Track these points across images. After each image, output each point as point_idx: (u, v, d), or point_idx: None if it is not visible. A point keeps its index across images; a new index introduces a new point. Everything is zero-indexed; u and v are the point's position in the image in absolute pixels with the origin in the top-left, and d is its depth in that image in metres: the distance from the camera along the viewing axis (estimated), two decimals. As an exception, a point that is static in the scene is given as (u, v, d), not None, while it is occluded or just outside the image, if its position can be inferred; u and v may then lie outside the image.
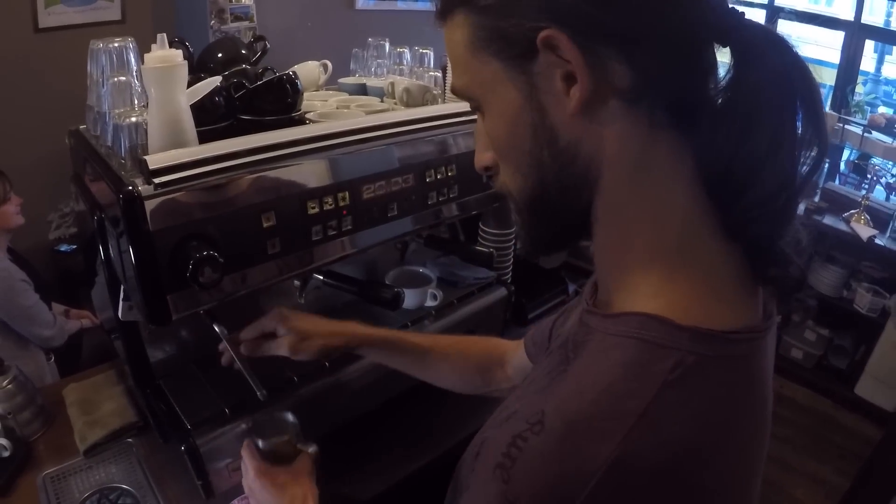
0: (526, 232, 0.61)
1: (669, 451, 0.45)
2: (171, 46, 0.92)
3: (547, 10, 0.48)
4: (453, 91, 0.59)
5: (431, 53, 1.51)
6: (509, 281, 1.69)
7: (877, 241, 3.13)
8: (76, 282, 2.86)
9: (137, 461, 1.25)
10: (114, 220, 0.95)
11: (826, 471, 2.88)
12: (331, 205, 1.07)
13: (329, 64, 1.47)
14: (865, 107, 3.55)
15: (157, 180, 0.88)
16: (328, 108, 1.28)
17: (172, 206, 0.90)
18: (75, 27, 2.90)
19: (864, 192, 3.40)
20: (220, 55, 1.23)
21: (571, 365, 0.51)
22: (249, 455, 0.97)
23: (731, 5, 0.51)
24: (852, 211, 3.28)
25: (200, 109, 1.00)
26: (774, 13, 3.68)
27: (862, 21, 3.51)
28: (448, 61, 1.49)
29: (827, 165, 3.57)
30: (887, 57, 3.99)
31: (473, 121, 0.62)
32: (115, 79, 1.01)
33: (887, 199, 3.45)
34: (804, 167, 0.49)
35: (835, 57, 3.80)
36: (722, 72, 0.50)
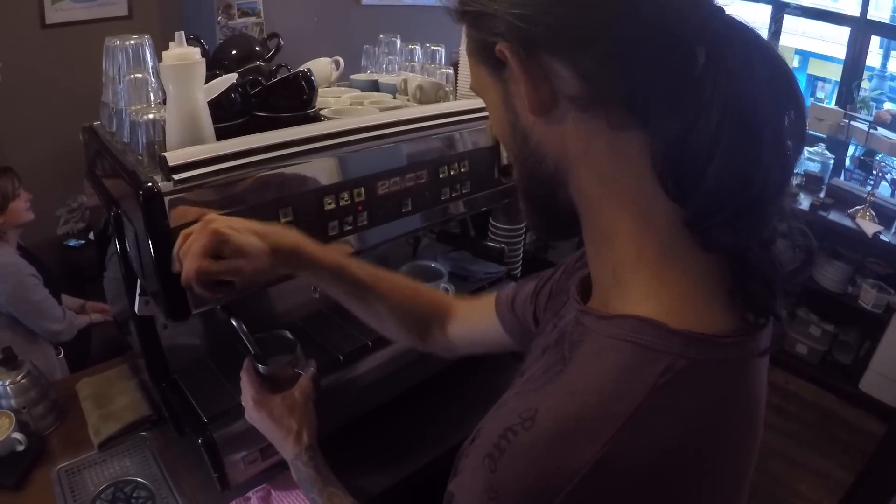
0: (526, 219, 0.66)
1: (654, 454, 0.45)
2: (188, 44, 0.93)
3: (499, 25, 0.53)
4: (472, 89, 0.65)
5: (443, 50, 1.51)
6: (519, 276, 1.71)
7: (882, 237, 3.12)
8: (84, 276, 2.88)
9: (151, 454, 1.26)
10: (132, 215, 0.96)
11: (830, 466, 2.88)
12: (347, 200, 1.08)
13: (341, 60, 1.48)
14: (871, 103, 3.55)
15: (176, 177, 0.89)
16: (342, 105, 1.29)
17: (192, 202, 0.90)
18: (82, 23, 2.91)
19: (869, 188, 3.39)
20: (234, 52, 1.23)
21: (567, 365, 0.52)
22: (249, 382, 1.02)
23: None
24: (857, 207, 3.27)
25: (217, 106, 1.01)
26: (780, 9, 3.68)
27: (868, 17, 3.51)
28: (459, 58, 1.50)
29: (833, 161, 3.57)
30: (893, 53, 3.99)
31: (485, 117, 0.65)
32: (132, 76, 1.02)
33: (892, 195, 3.44)
34: (771, 173, 0.47)
35: (841, 53, 3.80)
36: (689, 67, 0.49)
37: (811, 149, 3.55)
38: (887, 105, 3.70)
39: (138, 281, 1.05)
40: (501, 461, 0.47)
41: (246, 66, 1.20)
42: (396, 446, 1.29)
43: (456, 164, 1.26)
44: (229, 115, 1.07)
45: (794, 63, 4.46)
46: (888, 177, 3.50)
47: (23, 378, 1.31)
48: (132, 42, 1.04)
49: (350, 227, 1.10)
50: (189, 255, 0.82)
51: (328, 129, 1.08)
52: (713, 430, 0.49)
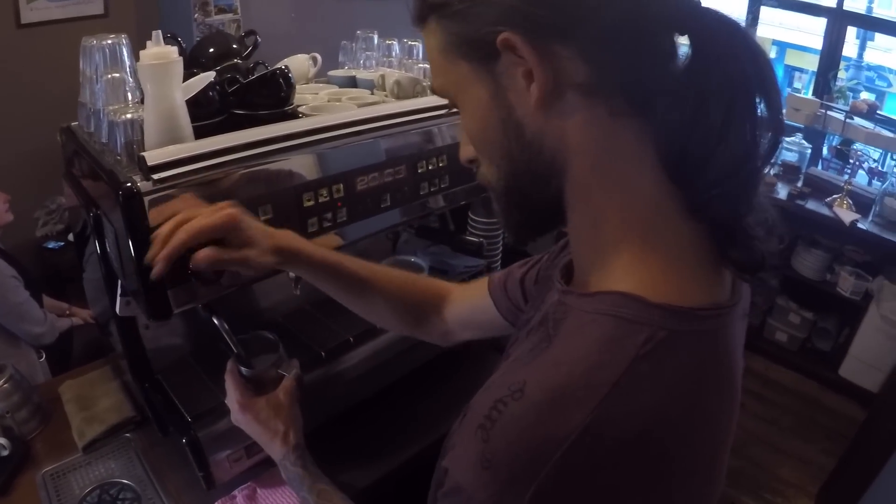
0: (504, 219, 0.65)
1: (640, 419, 0.47)
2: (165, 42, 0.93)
3: (503, 14, 0.52)
4: (433, 91, 0.63)
5: (420, 45, 1.52)
6: (499, 269, 1.71)
7: (859, 225, 3.16)
8: (64, 278, 2.86)
9: (136, 455, 1.26)
10: (112, 215, 0.95)
11: (812, 451, 2.93)
12: (326, 197, 1.09)
13: (318, 57, 1.48)
14: (848, 93, 3.58)
15: (155, 176, 0.89)
16: (320, 102, 1.29)
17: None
18: (58, 22, 2.88)
19: (846, 177, 3.43)
20: (211, 50, 1.23)
21: (552, 342, 0.54)
22: (233, 385, 1.02)
23: None
24: (835, 196, 3.30)
25: (195, 105, 1.01)
26: (758, 0, 3.71)
27: (844, 7, 3.54)
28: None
29: (810, 151, 3.61)
30: (869, 43, 4.04)
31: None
32: (109, 76, 1.02)
33: (869, 183, 3.48)
34: (761, 147, 0.52)
35: (817, 43, 3.83)
36: (681, 57, 0.53)
37: (789, 139, 3.58)
38: (864, 95, 3.73)
39: (119, 281, 1.05)
40: (493, 431, 0.49)
41: (223, 63, 1.19)
42: (381, 440, 1.30)
43: (434, 159, 1.26)
44: (207, 114, 1.07)
45: (772, 53, 4.50)
46: (865, 166, 3.54)
47: (5, 382, 1.30)
48: (109, 41, 1.03)
49: (329, 224, 1.10)
50: (193, 231, 0.81)
51: (306, 126, 1.09)
52: (695, 395, 0.51)
